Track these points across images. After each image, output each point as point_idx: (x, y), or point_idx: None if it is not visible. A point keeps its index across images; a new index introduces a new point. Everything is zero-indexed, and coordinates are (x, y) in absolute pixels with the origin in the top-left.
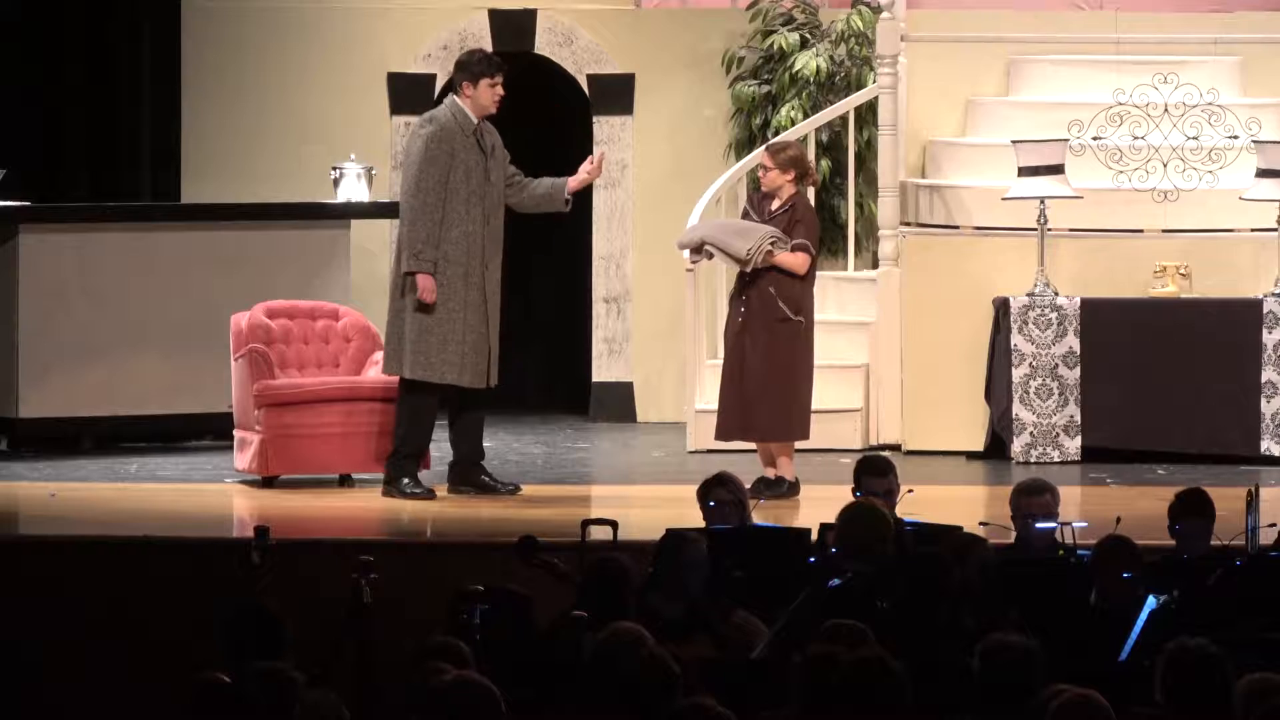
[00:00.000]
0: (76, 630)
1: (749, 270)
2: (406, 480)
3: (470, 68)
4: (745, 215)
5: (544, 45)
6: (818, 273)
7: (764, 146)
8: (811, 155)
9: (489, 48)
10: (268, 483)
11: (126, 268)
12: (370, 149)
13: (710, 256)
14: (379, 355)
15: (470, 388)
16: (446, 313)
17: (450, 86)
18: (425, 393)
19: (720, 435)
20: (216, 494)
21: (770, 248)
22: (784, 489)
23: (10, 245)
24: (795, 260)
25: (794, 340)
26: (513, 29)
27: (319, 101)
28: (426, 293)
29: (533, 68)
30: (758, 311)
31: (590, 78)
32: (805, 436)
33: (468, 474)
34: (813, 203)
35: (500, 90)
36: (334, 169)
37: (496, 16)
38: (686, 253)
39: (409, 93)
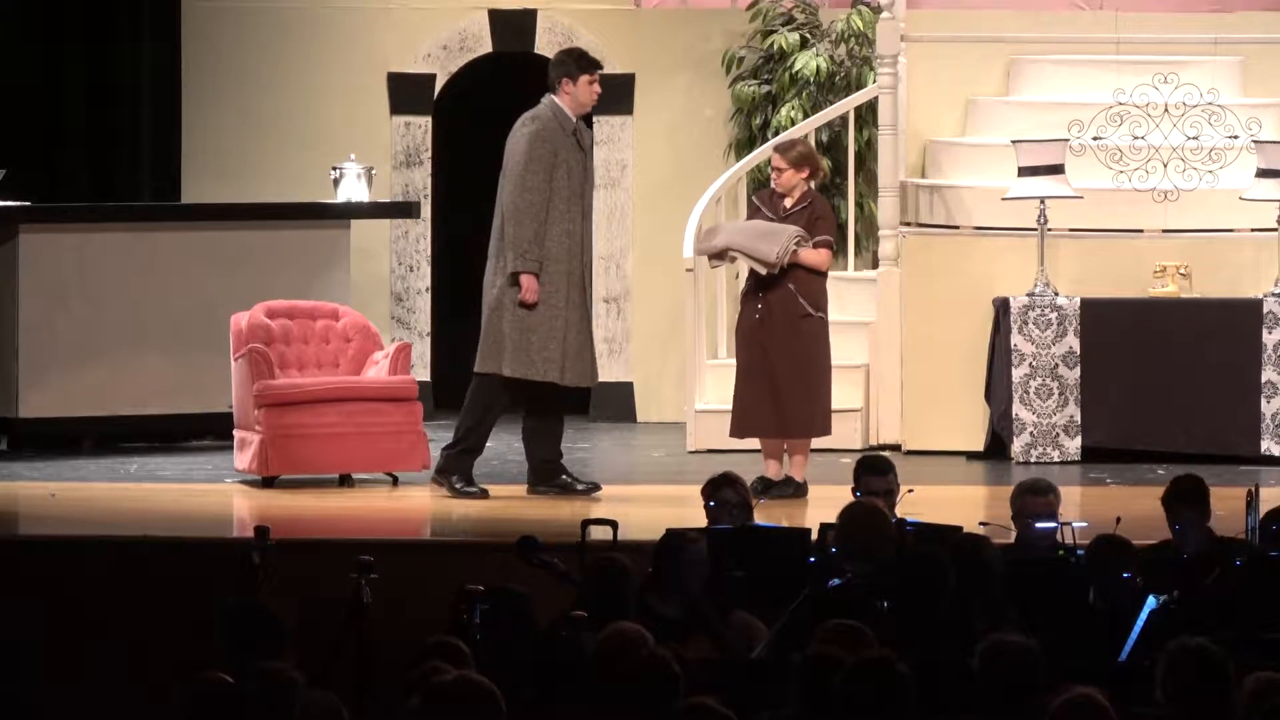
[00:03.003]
0: (76, 630)
1: (776, 272)
2: (457, 477)
3: (569, 65)
4: (755, 213)
5: (544, 45)
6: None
7: (773, 147)
8: None
9: (489, 48)
10: (268, 483)
11: (126, 268)
12: (370, 149)
13: (734, 261)
14: (379, 355)
15: (569, 386)
16: (549, 310)
17: (547, 85)
18: (500, 392)
19: (738, 432)
20: (216, 494)
21: (795, 247)
22: (790, 490)
23: (10, 245)
24: (820, 257)
25: (816, 336)
26: (513, 29)
27: (319, 101)
28: (529, 293)
29: (533, 68)
30: (778, 309)
31: None
32: (828, 432)
33: (550, 474)
34: None
35: (599, 88)
36: (334, 169)
37: (496, 16)
38: (707, 258)
39: (409, 93)
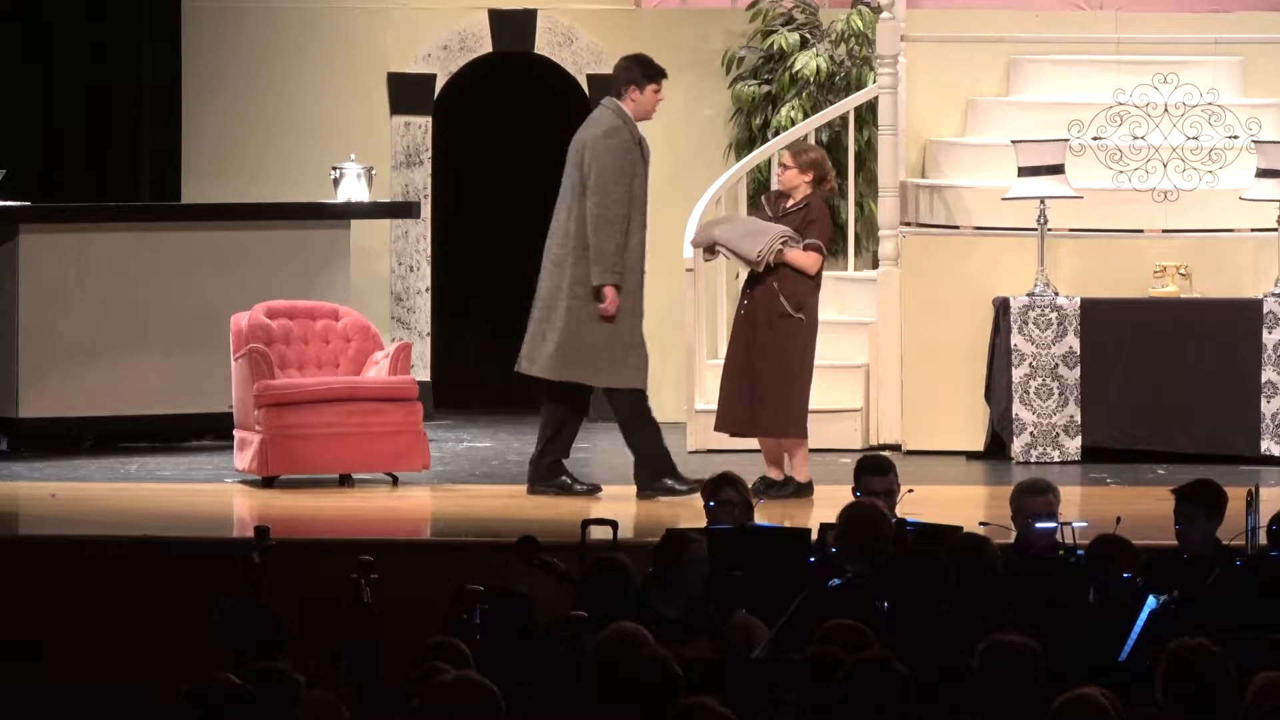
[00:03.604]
0: (76, 630)
1: (761, 270)
2: (669, 481)
3: (636, 72)
4: (757, 211)
5: (544, 45)
6: (824, 274)
7: (786, 145)
8: None
9: (489, 48)
10: (268, 483)
11: (126, 268)
12: (370, 149)
13: (729, 258)
14: (379, 355)
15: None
16: (631, 319)
17: (614, 90)
18: (642, 392)
19: (720, 427)
20: (216, 494)
21: (781, 247)
22: (790, 489)
23: (10, 245)
24: (807, 259)
25: (793, 337)
26: (513, 29)
27: (319, 101)
28: (612, 305)
29: (533, 68)
30: (760, 305)
31: (590, 78)
32: (801, 435)
33: (553, 473)
34: None
35: (662, 97)
36: (334, 169)
37: (496, 16)
38: (702, 250)
39: (409, 93)
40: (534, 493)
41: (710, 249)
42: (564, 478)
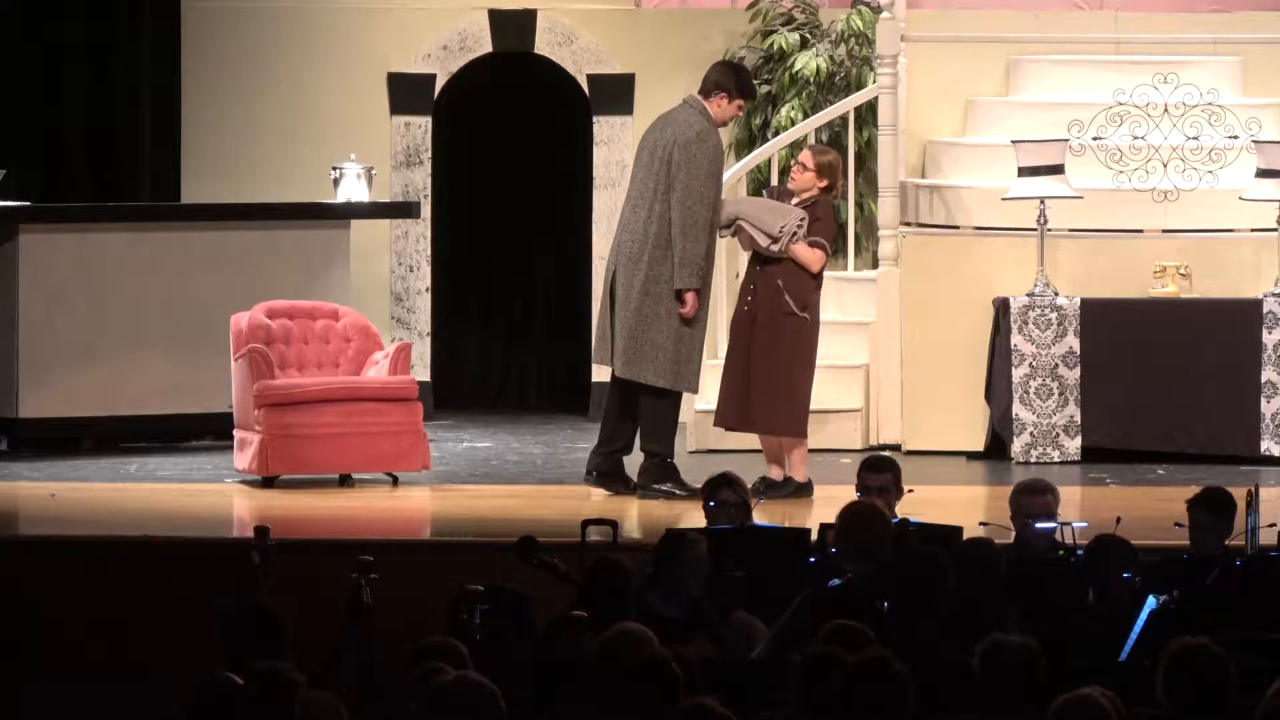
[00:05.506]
0: (77, 630)
1: (776, 250)
2: (670, 485)
3: (730, 83)
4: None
5: (544, 45)
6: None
7: (808, 145)
8: None
9: (489, 48)
10: (268, 483)
11: (126, 268)
12: (370, 149)
13: (737, 234)
14: (379, 355)
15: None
16: (699, 323)
17: (701, 90)
18: (675, 396)
19: (719, 422)
20: (216, 494)
21: (798, 230)
22: (790, 489)
23: (10, 245)
24: (811, 255)
25: (797, 336)
26: (513, 29)
27: (319, 101)
28: (693, 309)
29: (533, 68)
30: (763, 303)
31: (590, 78)
32: (802, 434)
33: (618, 468)
34: None
35: (742, 114)
36: (334, 169)
37: (496, 16)
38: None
39: (409, 93)
40: (599, 485)
41: (728, 225)
42: (627, 474)
